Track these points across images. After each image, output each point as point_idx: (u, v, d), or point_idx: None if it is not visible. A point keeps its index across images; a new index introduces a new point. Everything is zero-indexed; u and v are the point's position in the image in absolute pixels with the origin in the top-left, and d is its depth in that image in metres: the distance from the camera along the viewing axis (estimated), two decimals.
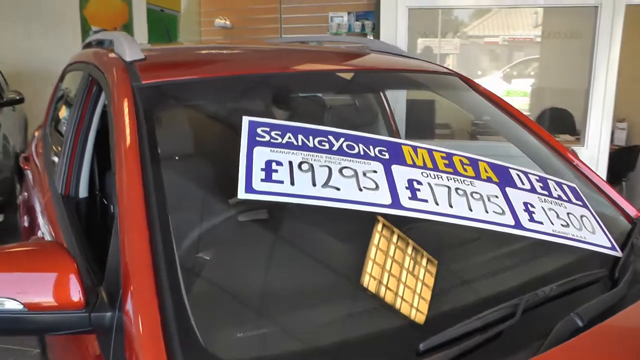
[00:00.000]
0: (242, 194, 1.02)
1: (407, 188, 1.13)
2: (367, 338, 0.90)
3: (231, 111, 1.48)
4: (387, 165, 1.17)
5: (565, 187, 1.36)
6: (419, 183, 1.15)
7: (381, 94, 2.36)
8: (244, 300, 1.01)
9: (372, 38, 4.58)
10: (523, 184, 1.29)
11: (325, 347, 0.88)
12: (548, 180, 1.35)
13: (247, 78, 1.47)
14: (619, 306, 1.02)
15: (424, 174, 1.19)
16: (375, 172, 1.15)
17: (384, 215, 1.07)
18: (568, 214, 1.26)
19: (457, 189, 1.18)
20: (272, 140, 1.16)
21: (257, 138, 1.15)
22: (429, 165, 1.22)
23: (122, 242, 0.96)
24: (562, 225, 1.21)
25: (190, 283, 0.92)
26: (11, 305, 0.88)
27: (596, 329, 0.94)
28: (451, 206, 1.12)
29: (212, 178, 1.30)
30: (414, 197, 1.11)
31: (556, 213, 1.24)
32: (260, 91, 1.48)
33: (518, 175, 1.31)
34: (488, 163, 1.30)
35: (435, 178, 1.18)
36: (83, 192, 1.70)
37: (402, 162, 1.20)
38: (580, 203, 1.33)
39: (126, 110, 1.21)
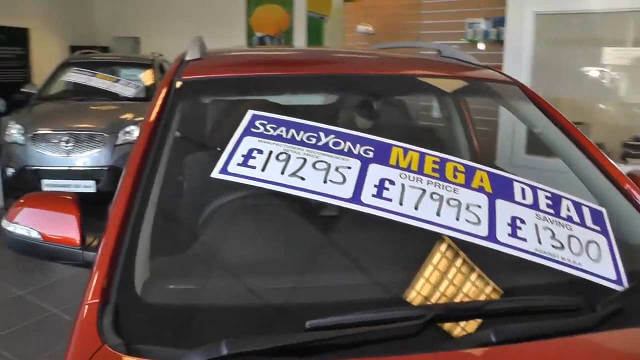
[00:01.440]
0: (215, 174, 1.14)
1: (375, 186, 1.14)
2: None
3: (252, 106, 1.61)
4: (365, 163, 1.19)
5: (585, 209, 1.22)
6: (392, 183, 1.15)
7: (461, 102, 2.28)
8: (186, 262, 1.14)
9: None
10: (524, 198, 1.20)
11: (236, 307, 0.97)
12: (563, 200, 1.23)
13: (280, 78, 1.59)
14: (553, 335, 0.92)
15: (402, 175, 1.18)
16: (349, 168, 1.17)
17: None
18: (570, 236, 1.14)
19: (433, 193, 1.15)
20: (264, 132, 1.25)
21: (252, 129, 1.26)
22: (414, 168, 1.20)
23: (115, 198, 1.16)
24: (553, 246, 1.10)
25: (150, 241, 1.08)
26: (34, 234, 1.14)
27: (502, 349, 0.86)
28: (416, 209, 1.11)
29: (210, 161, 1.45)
30: (378, 195, 1.12)
31: (552, 233, 1.13)
32: (284, 89, 1.59)
33: (523, 189, 1.22)
34: (489, 173, 1.24)
35: (413, 180, 1.17)
36: None
37: (384, 162, 1.21)
38: (597, 229, 1.19)
39: (160, 98, 1.42)
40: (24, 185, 4.55)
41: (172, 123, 1.34)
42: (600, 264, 1.11)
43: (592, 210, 1.23)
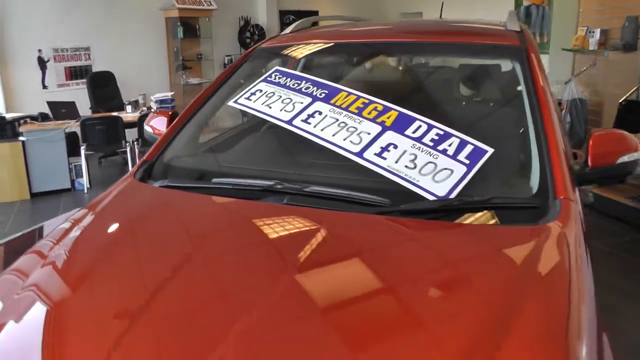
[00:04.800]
0: (230, 103, 1.89)
1: (308, 115, 1.70)
2: None
3: (297, 66, 2.23)
4: (314, 100, 1.75)
5: (469, 147, 1.49)
6: (320, 113, 1.69)
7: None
8: (201, 149, 1.94)
9: None
10: (414, 133, 1.56)
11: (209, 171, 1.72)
12: (452, 138, 1.53)
13: (333, 46, 2.16)
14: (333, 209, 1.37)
15: (331, 110, 1.69)
16: (302, 103, 1.75)
17: None
18: (429, 162, 1.47)
19: (342, 122, 1.64)
20: (273, 80, 1.92)
21: (268, 78, 1.93)
22: (344, 105, 1.70)
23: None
24: (405, 166, 1.47)
25: (184, 136, 1.90)
26: (150, 130, 2.10)
27: (288, 207, 1.38)
28: (322, 130, 1.63)
29: None
30: (305, 120, 1.68)
31: (414, 156, 1.49)
32: (335, 55, 2.18)
33: (419, 126, 1.58)
34: (399, 113, 1.63)
35: (335, 113, 1.67)
36: None
37: (327, 100, 1.73)
38: (466, 162, 1.46)
39: (242, 57, 2.22)
40: None
41: (236, 72, 2.12)
42: (438, 184, 1.42)
43: (476, 149, 1.50)
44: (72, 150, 5.16)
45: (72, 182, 5.20)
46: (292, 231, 1.31)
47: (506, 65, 1.99)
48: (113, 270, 1.26)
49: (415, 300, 1.06)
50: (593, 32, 5.09)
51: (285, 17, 9.31)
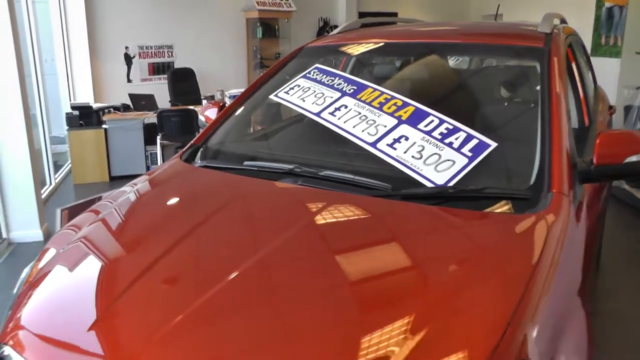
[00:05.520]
0: (271, 96, 2.11)
1: (336, 108, 1.88)
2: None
3: (341, 64, 2.41)
4: (343, 95, 1.93)
5: (474, 141, 1.62)
6: (346, 107, 1.87)
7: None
8: (244, 137, 2.18)
9: None
10: (426, 127, 1.71)
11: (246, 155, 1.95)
12: (459, 132, 1.66)
13: (374, 48, 2.33)
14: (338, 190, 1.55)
15: (356, 104, 1.87)
16: (332, 97, 1.94)
17: None
18: (434, 153, 1.62)
19: (363, 115, 1.81)
20: (311, 77, 2.12)
21: (307, 74, 2.14)
22: (368, 100, 1.87)
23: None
24: (412, 156, 1.62)
25: (224, 125, 2.14)
26: (203, 118, 2.38)
27: (301, 188, 1.58)
28: (345, 122, 1.81)
29: None
30: (331, 113, 1.87)
31: (422, 148, 1.64)
32: (372, 55, 2.35)
33: (432, 120, 1.72)
34: (415, 108, 1.77)
35: (359, 107, 1.85)
36: None
37: (354, 95, 1.91)
38: (469, 154, 1.59)
39: (291, 53, 2.44)
40: None
41: (283, 68, 2.34)
42: (439, 174, 1.56)
43: (480, 143, 1.62)
44: (150, 139, 5.66)
45: (148, 168, 5.70)
46: (299, 203, 1.55)
47: (529, 65, 2.07)
48: (153, 222, 1.58)
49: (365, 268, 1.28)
50: None
51: (364, 18, 9.46)
